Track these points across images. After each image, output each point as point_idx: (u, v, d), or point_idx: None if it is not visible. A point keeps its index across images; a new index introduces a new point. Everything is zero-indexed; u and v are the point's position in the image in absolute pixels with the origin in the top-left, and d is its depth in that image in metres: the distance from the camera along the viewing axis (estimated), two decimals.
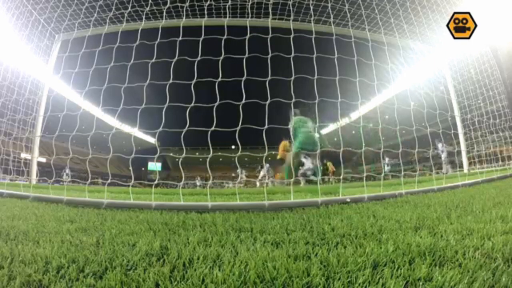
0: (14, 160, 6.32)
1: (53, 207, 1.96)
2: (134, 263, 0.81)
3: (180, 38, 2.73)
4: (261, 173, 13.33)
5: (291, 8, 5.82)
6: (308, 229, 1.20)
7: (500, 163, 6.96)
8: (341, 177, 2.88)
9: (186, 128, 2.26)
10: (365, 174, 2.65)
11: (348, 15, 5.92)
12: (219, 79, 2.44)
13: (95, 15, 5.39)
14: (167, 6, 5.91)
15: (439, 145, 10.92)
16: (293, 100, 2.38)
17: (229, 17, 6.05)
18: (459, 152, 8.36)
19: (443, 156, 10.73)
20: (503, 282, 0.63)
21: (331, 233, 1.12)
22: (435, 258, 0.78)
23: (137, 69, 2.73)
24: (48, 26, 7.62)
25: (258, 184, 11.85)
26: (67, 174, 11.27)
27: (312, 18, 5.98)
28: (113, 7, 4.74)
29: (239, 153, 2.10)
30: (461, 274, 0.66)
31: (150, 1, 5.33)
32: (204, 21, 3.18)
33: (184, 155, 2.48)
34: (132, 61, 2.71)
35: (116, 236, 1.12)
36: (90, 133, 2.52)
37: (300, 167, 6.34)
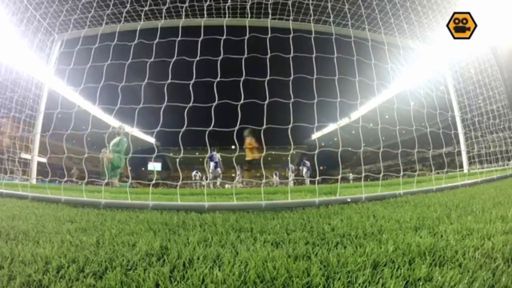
0: (13, 159, 6.32)
1: (53, 207, 1.96)
2: (134, 263, 0.81)
3: (179, 38, 2.73)
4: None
5: (290, 8, 5.82)
6: (308, 229, 1.20)
7: (500, 163, 6.97)
8: (339, 177, 2.88)
9: (184, 128, 2.25)
10: (363, 174, 2.65)
11: (348, 15, 5.92)
12: (218, 79, 2.44)
13: (92, 11, 5.38)
14: (167, 6, 5.91)
15: (307, 162, 13.09)
16: (292, 100, 2.37)
17: (228, 17, 6.05)
18: (459, 152, 8.36)
19: (305, 170, 12.72)
20: (503, 282, 0.63)
21: (331, 233, 1.12)
22: (435, 258, 0.78)
23: (136, 69, 2.73)
24: (51, 29, 7.61)
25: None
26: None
27: (312, 18, 5.98)
28: (111, 6, 4.74)
29: (237, 153, 2.10)
30: (461, 274, 0.66)
31: (149, 0, 5.33)
32: (203, 21, 3.18)
33: (182, 154, 2.48)
34: (131, 61, 2.71)
35: (116, 236, 1.12)
36: (86, 132, 2.51)
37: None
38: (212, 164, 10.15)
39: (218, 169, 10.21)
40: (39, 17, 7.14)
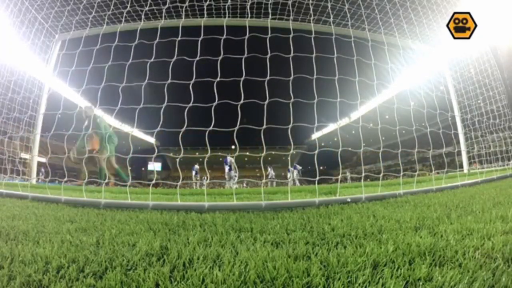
0: (13, 159, 6.32)
1: (53, 207, 1.96)
2: (134, 263, 0.81)
3: (179, 38, 2.73)
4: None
5: (290, 8, 5.82)
6: (308, 229, 1.20)
7: (500, 163, 6.97)
8: (339, 177, 2.87)
9: (184, 128, 2.25)
10: (363, 174, 2.65)
11: (348, 15, 5.92)
12: (218, 79, 2.44)
13: (93, 13, 5.38)
14: (167, 5, 5.91)
15: (298, 166, 15.48)
16: (292, 100, 2.37)
17: (228, 17, 6.04)
18: (459, 152, 8.37)
19: (295, 173, 14.74)
20: (503, 282, 0.63)
21: (331, 233, 1.12)
22: (435, 258, 0.78)
23: (137, 69, 2.73)
24: (49, 28, 7.62)
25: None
26: (42, 173, 10.45)
27: (312, 18, 5.98)
28: (112, 7, 4.74)
29: (237, 153, 2.10)
30: (461, 274, 0.66)
31: (149, 0, 5.32)
32: (203, 21, 3.18)
33: (182, 154, 2.48)
34: (131, 61, 2.71)
35: (116, 236, 1.12)
36: (88, 132, 2.51)
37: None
38: (226, 167, 11.56)
39: (232, 172, 11.52)
40: (41, 19, 7.16)
